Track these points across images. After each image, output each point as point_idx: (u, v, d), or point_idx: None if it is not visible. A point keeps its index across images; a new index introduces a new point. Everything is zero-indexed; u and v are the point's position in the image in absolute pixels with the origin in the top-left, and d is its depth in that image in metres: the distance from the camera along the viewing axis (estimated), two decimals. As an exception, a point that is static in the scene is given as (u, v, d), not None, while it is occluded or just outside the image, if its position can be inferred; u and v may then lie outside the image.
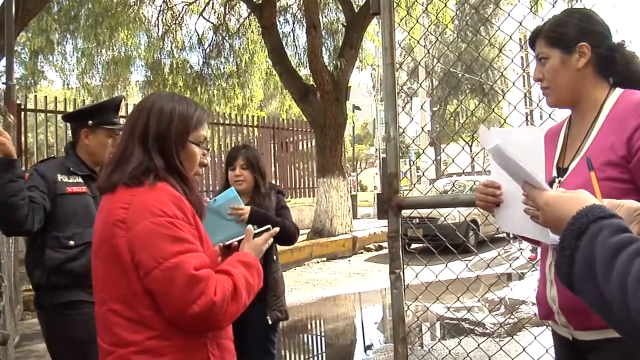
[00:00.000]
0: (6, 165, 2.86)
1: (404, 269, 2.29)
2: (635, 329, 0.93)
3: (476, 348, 3.09)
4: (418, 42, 4.24)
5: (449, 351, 2.90)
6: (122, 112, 4.35)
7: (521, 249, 9.79)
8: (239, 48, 18.53)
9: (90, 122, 3.30)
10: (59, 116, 10.89)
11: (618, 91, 1.88)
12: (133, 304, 1.75)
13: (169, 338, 1.74)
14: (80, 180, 3.25)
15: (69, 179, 3.21)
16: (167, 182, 1.85)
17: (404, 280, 2.29)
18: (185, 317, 1.69)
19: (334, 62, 13.95)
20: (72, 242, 3.11)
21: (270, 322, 3.69)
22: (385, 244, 10.27)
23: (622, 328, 0.98)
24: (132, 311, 1.75)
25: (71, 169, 3.25)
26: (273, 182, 17.17)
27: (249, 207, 3.57)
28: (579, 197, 1.19)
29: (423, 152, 3.36)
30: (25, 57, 19.97)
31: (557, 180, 1.89)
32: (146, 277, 1.70)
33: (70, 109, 12.12)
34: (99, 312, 1.84)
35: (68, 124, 3.76)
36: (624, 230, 1.03)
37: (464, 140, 21.06)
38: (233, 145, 7.11)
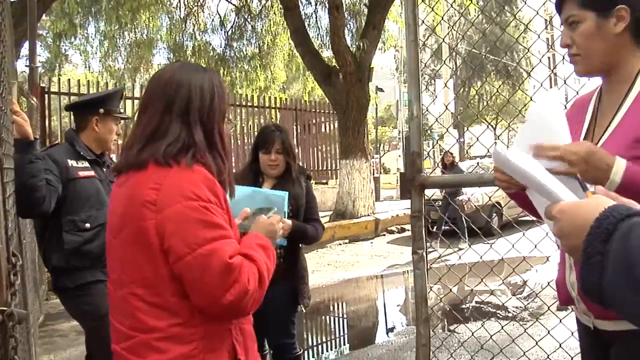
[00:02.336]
0: (25, 146, 2.86)
1: (427, 250, 2.26)
2: None
3: (499, 331, 3.03)
4: (442, 18, 4.16)
5: (472, 333, 2.87)
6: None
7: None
8: (261, 30, 18.45)
9: (101, 110, 3.41)
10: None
11: None
12: (158, 289, 1.69)
13: (194, 325, 1.69)
14: (87, 164, 3.36)
15: (77, 164, 3.32)
16: (204, 162, 1.77)
17: (426, 261, 2.25)
18: (218, 305, 1.64)
19: (357, 43, 13.83)
20: (87, 225, 3.24)
21: (304, 309, 3.72)
22: (408, 227, 10.24)
23: None
24: (157, 296, 1.69)
25: (81, 153, 3.36)
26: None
27: (291, 223, 3.40)
28: (597, 201, 1.01)
29: (447, 130, 3.31)
30: (49, 41, 20.08)
31: None
32: (177, 262, 1.64)
33: (93, 92, 12.18)
34: (117, 294, 1.78)
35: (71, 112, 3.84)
36: None
37: (487, 122, 20.90)
38: (261, 127, 6.95)
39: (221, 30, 18.57)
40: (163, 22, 18.22)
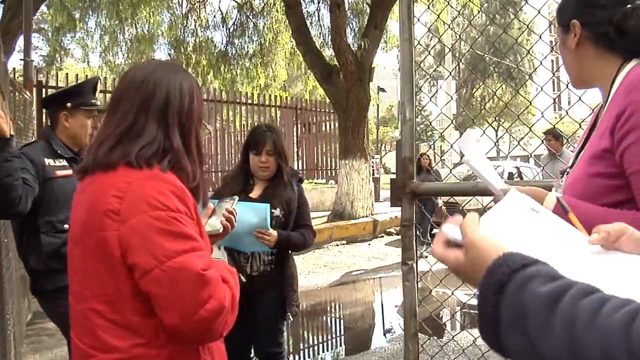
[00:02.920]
0: (1, 144, 2.73)
1: (417, 260, 2.14)
2: None
3: None
4: (438, 16, 4.02)
5: (474, 340, 2.71)
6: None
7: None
8: (263, 27, 18.38)
9: (68, 104, 3.27)
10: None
11: (631, 64, 1.54)
12: (119, 306, 1.54)
13: (158, 346, 1.55)
14: (66, 163, 3.24)
15: (55, 163, 3.20)
16: (180, 169, 1.65)
17: (417, 273, 2.13)
18: (190, 322, 1.48)
19: (358, 42, 13.70)
20: (66, 226, 3.05)
21: (291, 318, 3.59)
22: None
23: None
24: (118, 314, 1.54)
25: (58, 151, 3.23)
26: (295, 163, 17.20)
27: (276, 234, 3.32)
28: (496, 246, 0.91)
29: (440, 135, 3.19)
30: (50, 35, 20.01)
31: (567, 173, 1.64)
32: (144, 277, 1.49)
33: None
34: (76, 308, 1.63)
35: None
36: (556, 277, 0.81)
37: (489, 124, 20.76)
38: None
39: (223, 27, 18.49)
40: (164, 17, 18.14)
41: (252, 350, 3.68)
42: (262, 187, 3.52)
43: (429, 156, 11.54)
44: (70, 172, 3.20)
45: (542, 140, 7.64)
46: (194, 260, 1.50)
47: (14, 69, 11.42)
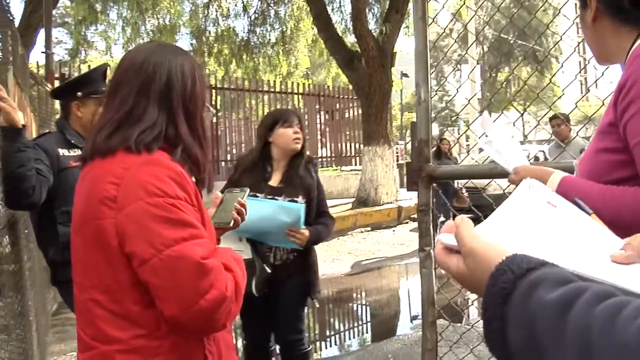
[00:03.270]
0: (13, 134, 2.71)
1: (434, 246, 2.07)
2: None
3: None
4: (466, 5, 3.91)
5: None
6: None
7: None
8: (284, 15, 18.31)
9: (79, 93, 3.24)
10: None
11: None
12: (118, 296, 1.49)
13: (160, 337, 1.50)
14: (80, 152, 3.20)
15: (69, 153, 3.17)
16: (189, 159, 1.61)
17: (434, 259, 2.06)
18: (190, 313, 1.43)
19: (380, 27, 13.57)
20: None
21: (316, 303, 3.58)
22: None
23: None
24: (117, 304, 1.50)
25: (72, 141, 3.20)
26: (319, 150, 17.16)
27: (308, 233, 3.30)
28: (496, 250, 0.82)
29: (457, 120, 3.10)
30: (76, 28, 20.11)
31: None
32: (142, 266, 1.44)
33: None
34: (79, 299, 1.59)
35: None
36: (566, 280, 0.71)
37: (515, 109, 20.48)
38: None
39: (244, 15, 18.45)
40: (185, 7, 18.13)
41: (273, 338, 3.65)
42: (280, 174, 3.47)
43: (449, 141, 11.39)
44: None
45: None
46: (193, 249, 1.45)
47: (37, 62, 11.48)
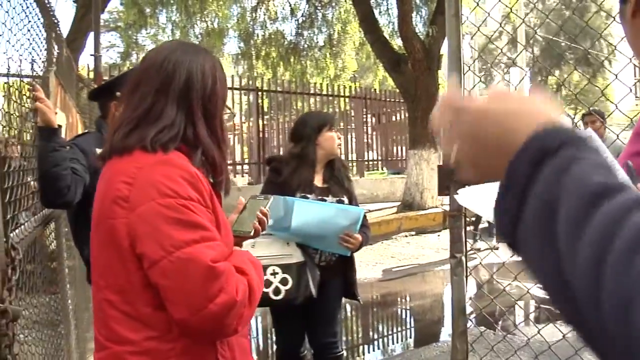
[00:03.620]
0: (48, 134, 2.72)
1: (466, 253, 1.98)
2: (604, 332, 0.51)
3: (560, 339, 2.67)
4: (511, 10, 3.80)
5: (527, 340, 2.54)
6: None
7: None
8: (332, 18, 18.30)
9: (117, 93, 3.24)
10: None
11: None
12: (131, 297, 1.48)
13: (171, 340, 1.47)
14: None
15: None
16: (208, 163, 1.58)
17: (466, 267, 1.98)
18: (199, 317, 1.40)
19: (426, 29, 13.41)
20: None
21: (360, 301, 3.64)
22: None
23: (581, 324, 0.55)
24: (129, 306, 1.48)
25: None
26: (365, 154, 17.12)
27: (360, 238, 3.26)
28: (532, 107, 0.69)
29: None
30: (127, 32, 20.46)
31: None
32: (152, 268, 1.42)
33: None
34: (95, 298, 1.59)
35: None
36: (608, 168, 0.59)
37: (566, 113, 20.03)
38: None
39: (292, 18, 18.50)
40: (233, 11, 18.27)
41: (305, 345, 3.61)
42: (321, 175, 3.44)
43: None
44: None
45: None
46: (203, 251, 1.42)
47: (87, 65, 11.70)
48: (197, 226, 1.44)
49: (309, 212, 3.13)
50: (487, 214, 1.12)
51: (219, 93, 1.63)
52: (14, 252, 1.86)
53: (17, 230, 2.21)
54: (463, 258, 1.95)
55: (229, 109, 1.70)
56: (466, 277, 1.97)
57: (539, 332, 2.17)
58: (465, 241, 1.97)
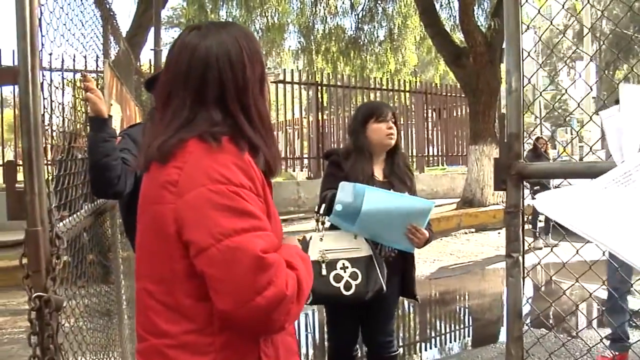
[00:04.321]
0: (99, 124, 2.71)
1: (524, 253, 1.86)
2: None
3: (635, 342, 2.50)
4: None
5: (589, 349, 2.39)
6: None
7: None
8: (392, 12, 18.11)
9: None
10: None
11: None
12: (171, 287, 1.42)
13: (211, 334, 1.41)
14: None
15: None
16: (254, 156, 1.49)
17: (523, 267, 1.86)
18: (245, 309, 1.32)
19: (488, 22, 13.12)
20: None
21: (419, 301, 3.55)
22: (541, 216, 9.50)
23: None
24: (170, 296, 1.42)
25: None
26: (426, 149, 16.93)
27: (427, 234, 3.14)
28: None
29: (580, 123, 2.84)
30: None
31: None
32: (198, 256, 1.35)
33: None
34: (136, 287, 1.54)
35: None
36: None
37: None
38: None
39: (352, 13, 18.37)
40: (293, 5, 18.25)
41: (358, 343, 3.52)
42: (381, 168, 3.33)
43: (545, 140, 10.77)
44: None
45: None
46: (253, 241, 1.34)
47: (149, 60, 11.89)
48: (248, 214, 1.37)
49: (379, 199, 2.98)
50: (570, 222, 1.02)
51: (251, 78, 1.52)
52: (59, 241, 1.84)
53: (66, 220, 2.20)
54: (520, 258, 1.82)
55: (270, 72, 1.61)
56: (523, 278, 1.85)
57: (601, 341, 2.03)
58: (523, 240, 1.85)
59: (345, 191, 2.99)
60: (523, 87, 1.84)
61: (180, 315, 1.42)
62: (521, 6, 1.85)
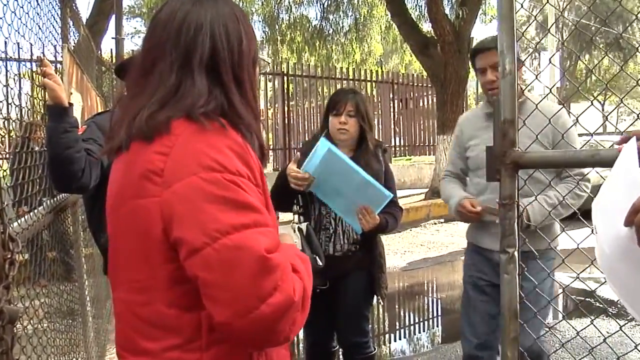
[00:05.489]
0: (59, 113, 2.47)
1: (519, 247, 1.74)
2: None
3: (615, 332, 2.40)
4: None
5: (577, 333, 2.27)
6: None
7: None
8: (358, 1, 18.02)
9: None
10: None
11: None
12: (154, 296, 1.23)
13: (197, 349, 1.22)
14: None
15: None
16: (247, 136, 1.29)
17: (518, 262, 1.74)
18: (247, 320, 1.12)
19: (456, 11, 13.07)
20: None
21: (382, 302, 3.33)
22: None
23: None
24: (149, 307, 1.22)
25: None
26: (392, 139, 16.88)
27: (378, 220, 3.03)
28: None
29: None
30: (150, 16, 20.37)
31: None
32: (190, 257, 1.14)
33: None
34: (112, 298, 1.34)
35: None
36: None
37: (595, 98, 19.54)
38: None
39: (317, 2, 18.24)
40: (258, -6, 18.07)
41: (336, 340, 3.39)
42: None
43: None
44: None
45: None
46: (256, 238, 1.14)
47: (111, 50, 11.60)
48: (249, 207, 1.17)
49: (339, 159, 2.89)
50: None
51: (246, 53, 1.35)
52: (13, 244, 1.66)
53: (21, 220, 2.02)
54: (516, 253, 1.70)
55: (263, 59, 1.46)
56: (518, 275, 1.73)
57: (605, 341, 1.92)
58: (519, 234, 1.72)
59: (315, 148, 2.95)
60: (517, 70, 1.71)
61: (163, 329, 1.23)
62: (523, 25, 1.72)
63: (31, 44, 3.11)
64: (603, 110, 29.54)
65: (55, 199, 2.88)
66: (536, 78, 1.96)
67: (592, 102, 2.13)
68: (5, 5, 1.90)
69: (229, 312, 1.13)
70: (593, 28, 24.73)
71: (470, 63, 3.24)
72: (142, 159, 1.22)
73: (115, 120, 1.37)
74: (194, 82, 1.28)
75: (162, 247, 1.20)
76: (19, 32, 2.21)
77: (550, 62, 14.37)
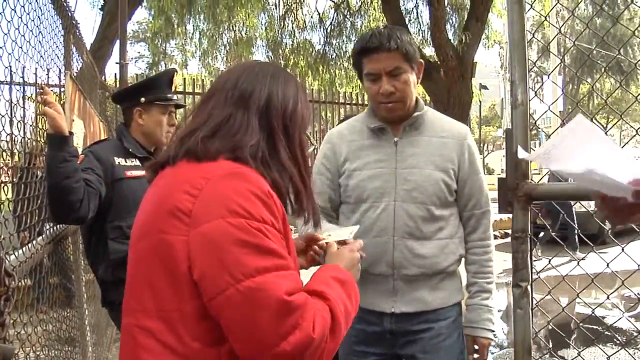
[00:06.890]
0: (58, 142, 2.44)
1: (532, 282, 1.68)
2: None
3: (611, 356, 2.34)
4: (545, 18, 3.49)
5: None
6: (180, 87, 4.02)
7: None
8: (361, 26, 18.07)
9: (142, 99, 3.00)
10: (179, 97, 10.89)
11: None
12: (178, 327, 1.25)
13: None
14: (138, 163, 2.95)
15: (126, 162, 2.92)
16: (293, 193, 1.41)
17: (531, 297, 1.68)
18: (270, 356, 1.20)
19: (459, 36, 13.09)
20: None
21: None
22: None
23: None
24: (174, 336, 1.25)
25: (130, 150, 2.95)
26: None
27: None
28: None
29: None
30: (154, 41, 20.43)
31: None
32: (215, 298, 1.21)
33: (189, 90, 12.14)
34: (123, 322, 1.36)
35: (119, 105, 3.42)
36: None
37: (598, 122, 19.53)
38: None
39: (320, 27, 18.30)
40: (261, 20, 18.16)
41: None
42: None
43: None
44: (142, 172, 2.87)
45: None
46: (277, 282, 1.22)
47: (114, 74, 11.64)
48: (271, 253, 1.25)
49: None
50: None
51: (299, 115, 1.45)
52: (9, 279, 1.62)
53: (18, 252, 1.97)
54: (529, 288, 1.65)
55: (309, 138, 1.47)
56: (532, 309, 1.67)
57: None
58: (531, 267, 1.67)
59: None
60: (529, 101, 1.67)
61: (184, 359, 1.25)
62: (526, 12, 1.68)
63: (35, 73, 3.08)
64: (606, 134, 29.53)
65: (56, 227, 2.84)
66: (548, 109, 1.91)
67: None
68: (6, 34, 1.88)
69: (251, 349, 1.21)
70: (595, 52, 24.87)
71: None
72: (172, 195, 1.29)
73: (178, 133, 1.47)
74: (244, 121, 1.37)
75: (187, 282, 1.25)
76: (19, 61, 2.19)
77: (549, 78, 14.41)
